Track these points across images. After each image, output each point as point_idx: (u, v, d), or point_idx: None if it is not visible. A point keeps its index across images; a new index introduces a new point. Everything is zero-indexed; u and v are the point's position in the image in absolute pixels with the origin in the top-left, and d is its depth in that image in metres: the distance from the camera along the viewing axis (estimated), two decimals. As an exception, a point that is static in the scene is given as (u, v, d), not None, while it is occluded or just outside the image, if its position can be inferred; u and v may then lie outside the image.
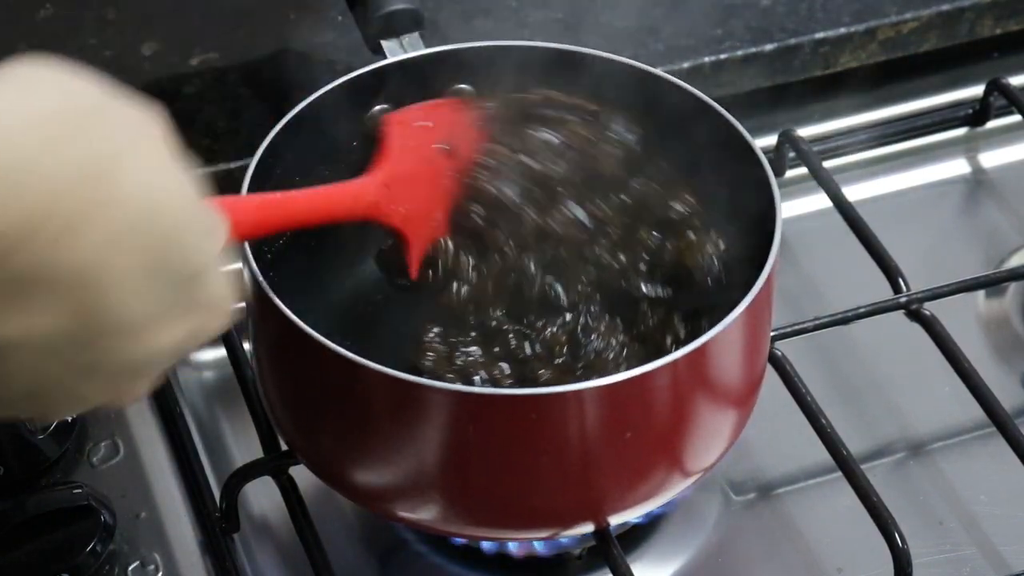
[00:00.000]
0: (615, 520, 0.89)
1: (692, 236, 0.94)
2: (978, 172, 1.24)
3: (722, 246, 0.93)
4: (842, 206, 1.11)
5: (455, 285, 0.94)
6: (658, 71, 0.97)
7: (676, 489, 0.90)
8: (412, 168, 0.94)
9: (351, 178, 1.00)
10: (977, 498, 1.01)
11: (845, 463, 0.95)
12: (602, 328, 0.92)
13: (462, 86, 1.00)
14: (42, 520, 0.92)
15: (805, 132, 1.17)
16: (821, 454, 0.96)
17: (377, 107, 0.99)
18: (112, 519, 0.94)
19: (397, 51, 1.01)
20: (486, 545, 0.96)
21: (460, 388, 0.85)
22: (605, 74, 0.98)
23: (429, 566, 0.97)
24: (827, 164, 1.15)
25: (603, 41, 1.15)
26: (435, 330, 0.93)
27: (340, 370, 0.83)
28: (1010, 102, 1.20)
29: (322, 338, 0.83)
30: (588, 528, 0.89)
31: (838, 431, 0.96)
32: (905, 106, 1.25)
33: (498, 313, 0.93)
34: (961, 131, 1.24)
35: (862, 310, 1.04)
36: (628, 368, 0.85)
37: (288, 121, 0.93)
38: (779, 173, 1.16)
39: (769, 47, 1.21)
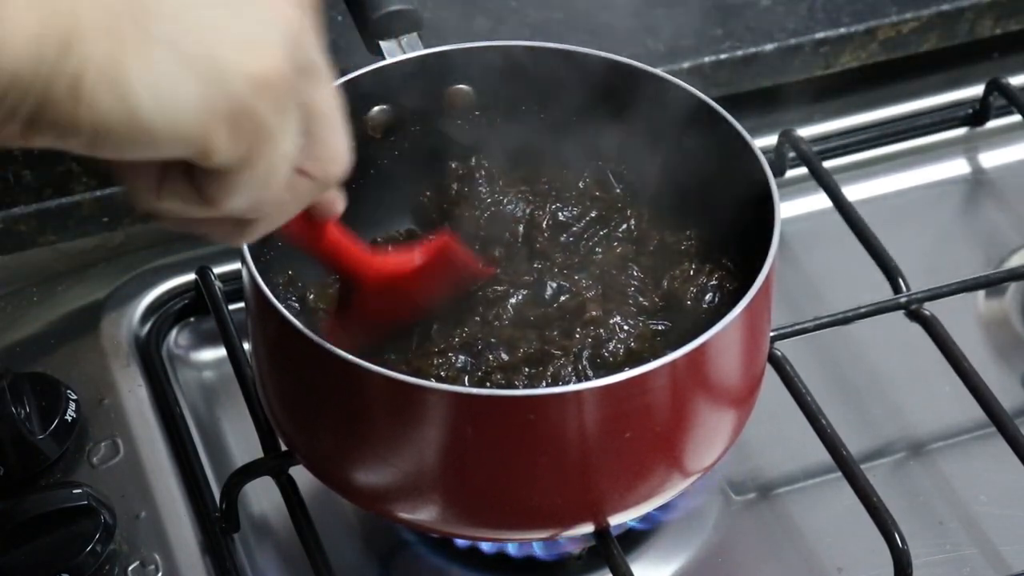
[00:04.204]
0: (615, 520, 0.89)
1: (688, 265, 0.95)
2: (978, 172, 1.24)
3: (715, 279, 0.94)
4: (842, 206, 1.11)
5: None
6: (658, 71, 0.98)
7: (676, 489, 0.90)
8: (427, 286, 0.91)
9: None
10: (977, 498, 1.01)
11: (845, 463, 0.95)
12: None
13: (461, 86, 1.00)
14: (42, 520, 0.92)
15: (805, 132, 1.17)
16: (821, 454, 0.96)
17: (376, 107, 0.99)
18: (112, 519, 0.94)
19: (396, 52, 1.01)
20: (486, 546, 0.96)
21: (460, 388, 0.85)
22: (605, 74, 0.98)
23: (429, 567, 0.98)
24: (827, 164, 1.15)
25: (603, 41, 1.15)
26: (434, 329, 0.93)
27: (339, 371, 0.83)
28: (1010, 102, 1.20)
29: (321, 339, 0.83)
30: (588, 528, 0.89)
31: (838, 431, 0.96)
32: (905, 106, 1.25)
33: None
34: (961, 131, 1.24)
35: (862, 310, 1.04)
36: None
37: (288, 121, 0.93)
38: (779, 173, 1.16)
39: (769, 47, 1.21)
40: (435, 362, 0.89)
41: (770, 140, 1.16)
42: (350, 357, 0.82)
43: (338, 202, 0.79)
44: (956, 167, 1.24)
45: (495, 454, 0.84)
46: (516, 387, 0.89)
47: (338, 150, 0.72)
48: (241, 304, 0.95)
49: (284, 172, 0.68)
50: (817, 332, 1.03)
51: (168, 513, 0.97)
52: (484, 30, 1.20)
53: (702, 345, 0.83)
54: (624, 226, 0.99)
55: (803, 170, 1.15)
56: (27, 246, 1.11)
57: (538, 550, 0.96)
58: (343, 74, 0.97)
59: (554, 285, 0.95)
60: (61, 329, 1.08)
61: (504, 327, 0.93)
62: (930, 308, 1.04)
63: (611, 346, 0.90)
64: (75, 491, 0.94)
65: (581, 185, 1.00)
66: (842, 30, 1.22)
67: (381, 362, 0.84)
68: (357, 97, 0.98)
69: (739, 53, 1.20)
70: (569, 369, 0.89)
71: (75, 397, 1.00)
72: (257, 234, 0.72)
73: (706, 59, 1.19)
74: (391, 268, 0.89)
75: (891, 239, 1.08)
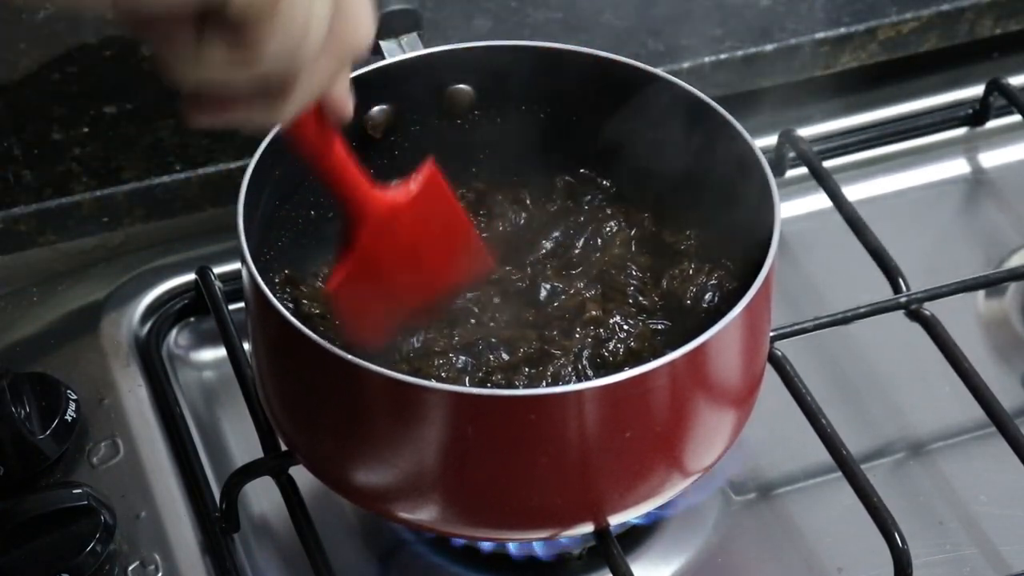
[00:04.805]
0: (615, 520, 0.89)
1: (687, 265, 0.95)
2: (978, 172, 1.24)
3: (715, 279, 0.94)
4: (842, 206, 1.11)
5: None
6: (658, 71, 0.98)
7: (676, 489, 0.90)
8: (422, 229, 0.92)
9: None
10: (977, 498, 1.01)
11: (845, 463, 0.95)
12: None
13: (461, 86, 1.00)
14: (42, 520, 0.92)
15: (805, 132, 1.17)
16: (821, 454, 0.96)
17: (376, 107, 0.99)
18: (112, 519, 0.94)
19: (396, 51, 1.01)
20: (486, 545, 0.96)
21: (461, 388, 0.85)
22: (605, 74, 0.98)
23: (429, 566, 0.98)
24: (827, 164, 1.15)
25: (603, 41, 1.15)
26: (431, 333, 0.93)
27: (339, 371, 0.83)
28: (1010, 102, 1.20)
29: (321, 339, 0.83)
30: (588, 528, 0.89)
31: (838, 431, 0.96)
32: (905, 106, 1.25)
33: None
34: (961, 131, 1.24)
35: (862, 310, 1.04)
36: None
37: (288, 121, 0.93)
38: (779, 173, 1.16)
39: (769, 47, 1.21)
40: (435, 362, 0.89)
41: (770, 140, 1.16)
42: (350, 357, 0.82)
43: (350, 102, 0.82)
44: (956, 167, 1.24)
45: (495, 454, 0.84)
46: (516, 387, 0.89)
47: (363, 20, 0.75)
48: (241, 304, 0.95)
49: (317, 21, 0.70)
50: (817, 332, 1.03)
51: (168, 513, 0.97)
52: (484, 30, 1.20)
53: (702, 345, 0.83)
54: (624, 226, 0.99)
55: (803, 170, 1.15)
56: (27, 246, 1.11)
57: (538, 549, 0.96)
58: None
59: (554, 285, 0.95)
60: (61, 329, 1.08)
61: (504, 327, 0.93)
62: (930, 308, 1.04)
63: (611, 346, 0.90)
64: (75, 491, 0.94)
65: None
66: (842, 30, 1.22)
67: (381, 362, 0.84)
68: (357, 97, 0.98)
69: (739, 53, 1.20)
70: (569, 369, 0.90)
71: (75, 397, 1.00)
72: (291, 108, 0.74)
73: (706, 59, 1.19)
74: (390, 199, 0.90)
75: (891, 239, 1.08)
